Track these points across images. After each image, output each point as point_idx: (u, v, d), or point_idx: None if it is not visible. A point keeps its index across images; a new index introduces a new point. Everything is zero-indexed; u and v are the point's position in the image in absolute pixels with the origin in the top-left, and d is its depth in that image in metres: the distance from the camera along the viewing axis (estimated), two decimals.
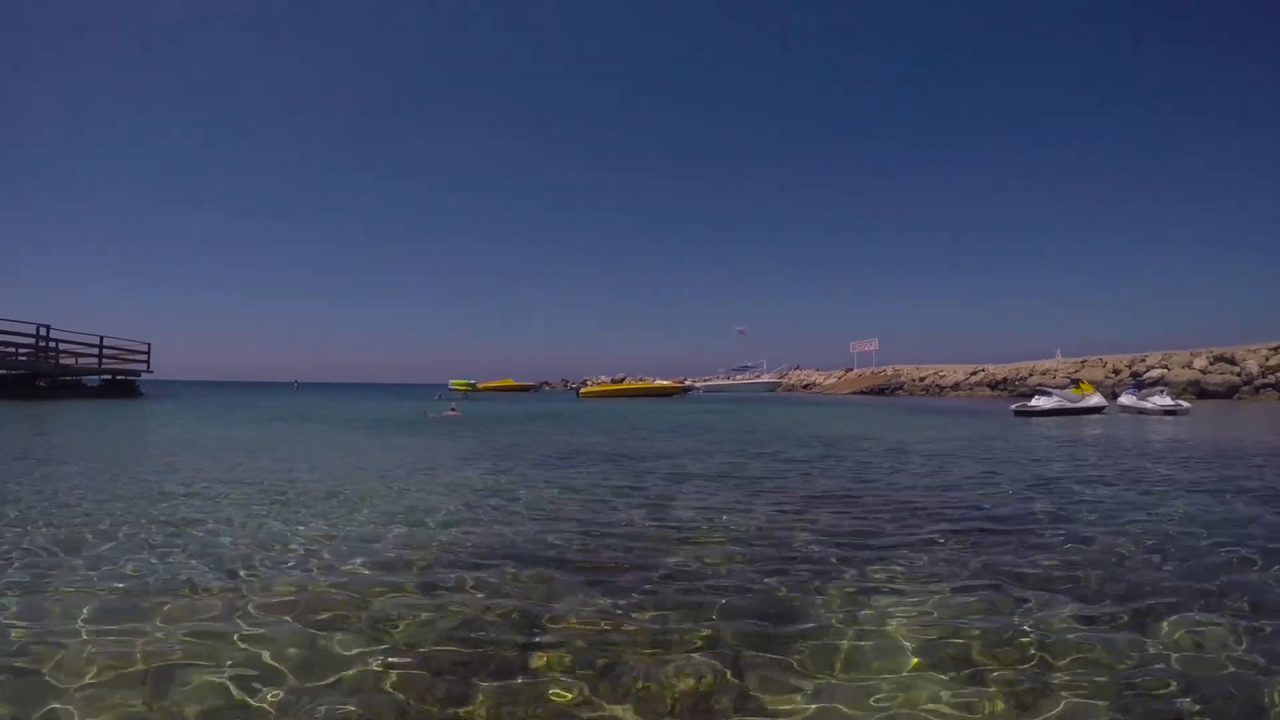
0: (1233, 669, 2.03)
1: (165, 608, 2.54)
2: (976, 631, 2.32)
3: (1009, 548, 3.50)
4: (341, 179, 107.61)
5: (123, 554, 3.30)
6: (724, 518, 4.29)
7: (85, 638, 2.25)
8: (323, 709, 1.80)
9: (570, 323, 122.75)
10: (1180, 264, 77.95)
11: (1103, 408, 18.21)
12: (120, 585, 2.81)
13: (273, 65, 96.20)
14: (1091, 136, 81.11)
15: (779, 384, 55.50)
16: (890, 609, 2.57)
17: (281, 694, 1.88)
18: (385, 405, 24.40)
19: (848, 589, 2.82)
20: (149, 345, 27.67)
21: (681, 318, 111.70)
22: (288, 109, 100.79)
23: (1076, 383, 19.64)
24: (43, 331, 22.32)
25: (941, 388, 41.76)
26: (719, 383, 55.70)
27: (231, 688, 1.91)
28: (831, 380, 55.85)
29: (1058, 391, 17.84)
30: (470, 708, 1.81)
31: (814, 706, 1.83)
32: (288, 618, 2.45)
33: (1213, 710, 1.78)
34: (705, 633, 2.31)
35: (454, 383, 52.05)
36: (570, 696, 1.88)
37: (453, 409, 18.18)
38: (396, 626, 2.37)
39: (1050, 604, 2.60)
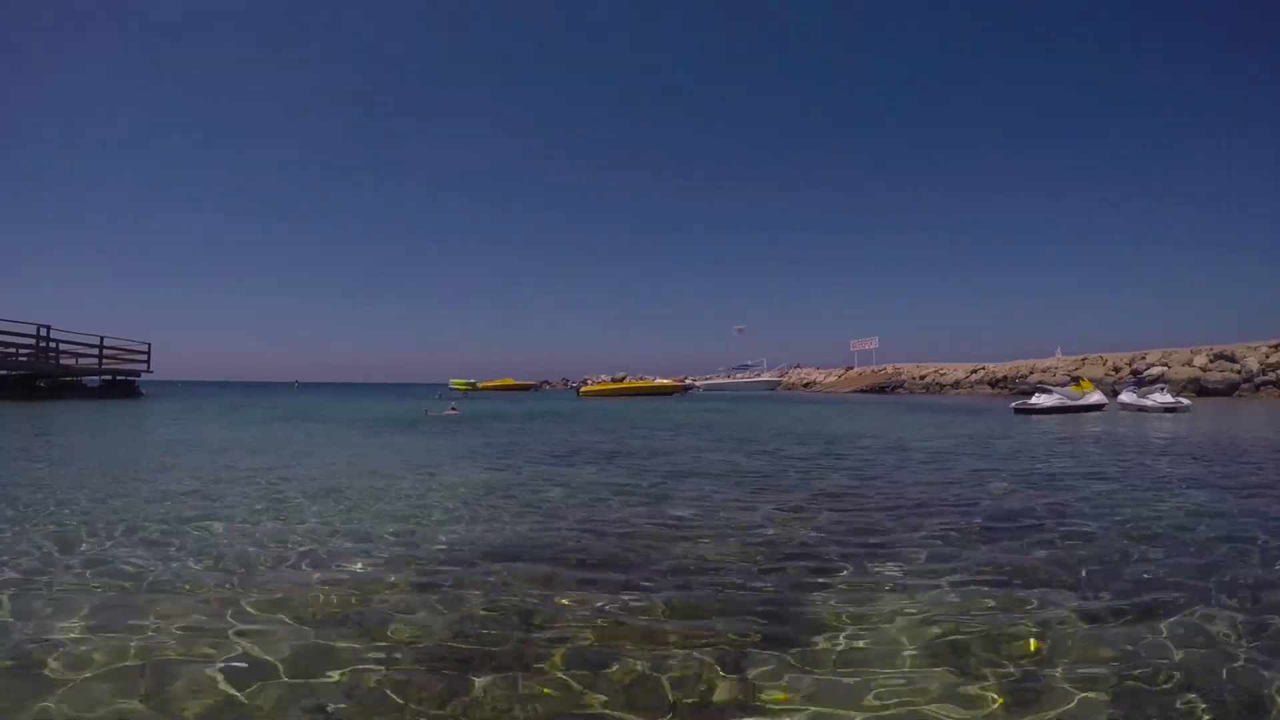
0: (1234, 664, 2.02)
1: (162, 605, 2.52)
2: (977, 628, 2.31)
3: (1009, 544, 3.49)
4: (341, 179, 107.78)
5: (120, 552, 3.29)
6: (724, 515, 4.28)
7: (82, 635, 2.24)
8: (320, 707, 1.79)
9: (570, 322, 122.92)
10: (1180, 264, 78.06)
11: (1103, 405, 18.21)
12: (117, 583, 2.80)
13: (273, 65, 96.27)
14: (1091, 136, 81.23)
15: (779, 382, 55.49)
16: (890, 606, 2.56)
17: (278, 692, 1.87)
18: (385, 405, 24.40)
19: (847, 586, 2.81)
20: (149, 345, 27.69)
21: (681, 317, 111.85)
22: (288, 109, 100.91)
23: (1077, 380, 19.65)
24: (43, 332, 22.32)
25: (942, 386, 41.74)
26: (719, 381, 55.71)
27: (228, 686, 1.90)
28: (832, 378, 55.83)
29: (1058, 389, 17.82)
30: (468, 706, 1.80)
31: (814, 704, 1.82)
32: (285, 616, 2.44)
33: (1214, 706, 1.77)
34: (705, 630, 2.30)
35: (454, 382, 52.05)
36: (569, 694, 1.87)
37: (453, 408, 18.18)
38: (394, 624, 2.36)
39: (1051, 600, 2.59)
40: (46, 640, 2.20)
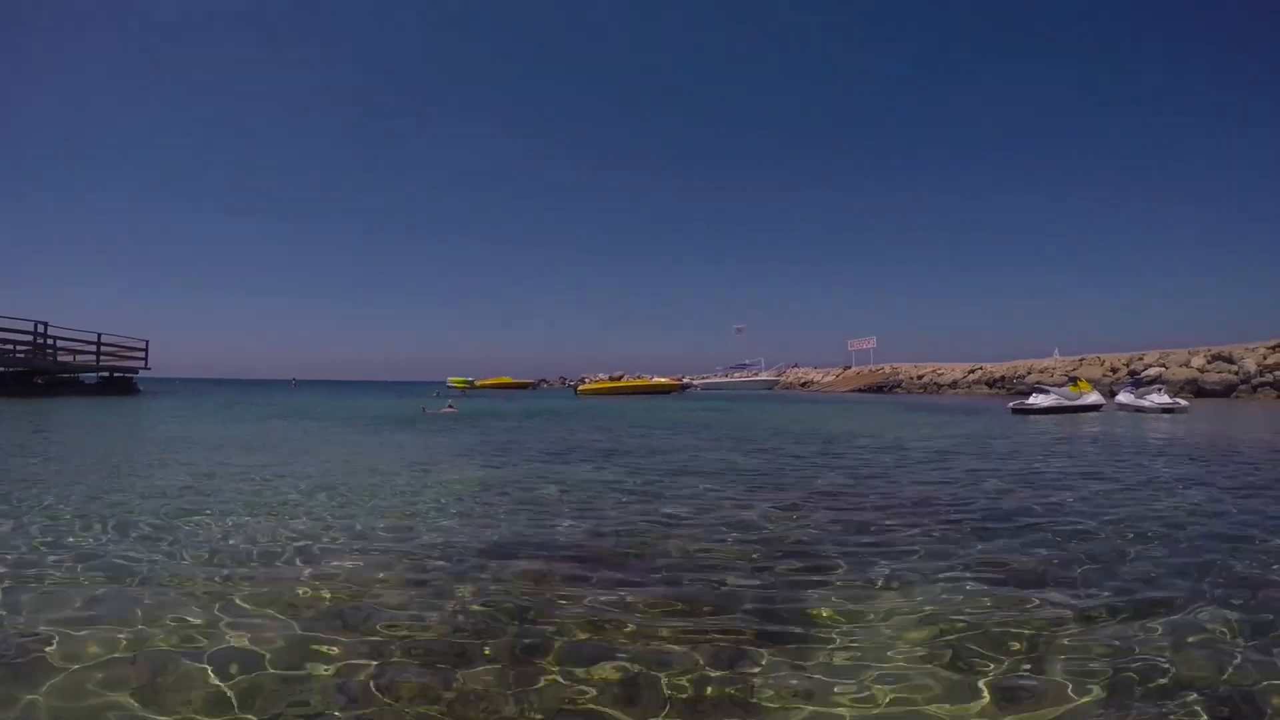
0: (1230, 663, 2.01)
1: (154, 599, 2.51)
2: (974, 626, 2.31)
3: (1006, 543, 3.48)
4: (341, 179, 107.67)
5: (113, 546, 3.27)
6: (720, 513, 4.27)
7: (73, 629, 2.22)
8: (310, 701, 1.78)
9: (570, 322, 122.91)
10: (1180, 264, 78.16)
11: (1100, 406, 18.22)
12: (110, 577, 2.78)
13: (273, 65, 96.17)
14: (1091, 136, 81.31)
15: (777, 382, 55.51)
16: (886, 604, 2.55)
17: (269, 686, 1.85)
18: (383, 402, 24.37)
19: (843, 584, 2.80)
20: (147, 342, 27.66)
21: (681, 317, 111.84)
22: (288, 109, 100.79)
23: (1074, 381, 19.66)
24: (41, 329, 22.27)
25: (939, 386, 41.76)
26: (717, 381, 55.70)
27: (218, 680, 1.88)
28: (830, 378, 55.83)
29: (1055, 389, 17.84)
30: (459, 702, 1.79)
31: (809, 701, 1.81)
32: (276, 611, 2.43)
33: (1210, 704, 1.77)
34: (702, 627, 2.30)
35: (452, 380, 52.03)
36: (566, 692, 1.85)
37: (450, 406, 18.17)
38: (386, 620, 2.34)
39: (1047, 598, 2.58)
40: (37, 634, 2.18)
